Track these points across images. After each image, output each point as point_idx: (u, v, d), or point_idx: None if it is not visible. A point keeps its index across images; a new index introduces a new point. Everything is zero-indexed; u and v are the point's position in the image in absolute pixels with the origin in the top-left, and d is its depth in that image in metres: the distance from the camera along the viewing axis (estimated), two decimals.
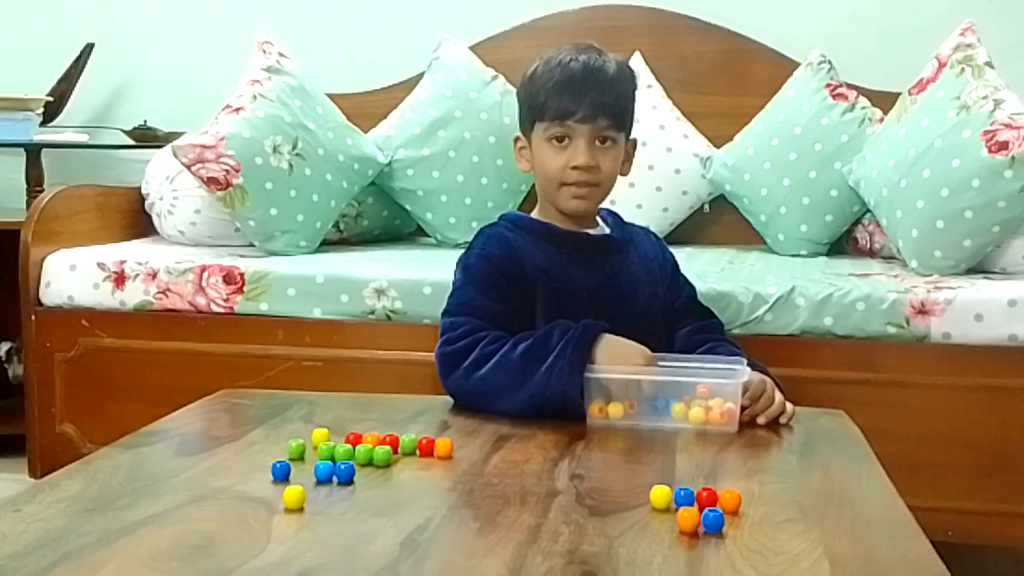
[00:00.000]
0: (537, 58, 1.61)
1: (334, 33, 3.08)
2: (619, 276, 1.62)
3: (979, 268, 2.19)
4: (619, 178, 1.63)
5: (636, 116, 1.65)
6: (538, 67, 1.59)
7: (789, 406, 1.44)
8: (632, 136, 1.65)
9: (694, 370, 1.43)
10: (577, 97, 1.53)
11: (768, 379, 1.46)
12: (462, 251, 1.64)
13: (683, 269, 2.21)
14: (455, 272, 1.61)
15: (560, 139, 1.56)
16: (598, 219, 1.69)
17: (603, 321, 1.47)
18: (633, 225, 1.77)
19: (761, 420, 1.41)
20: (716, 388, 1.39)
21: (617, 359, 1.42)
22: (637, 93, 1.65)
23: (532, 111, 1.59)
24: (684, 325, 1.68)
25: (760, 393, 1.42)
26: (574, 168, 1.55)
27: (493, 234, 1.62)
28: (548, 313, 1.54)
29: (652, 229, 2.64)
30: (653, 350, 1.46)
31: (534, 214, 1.66)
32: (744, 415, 1.40)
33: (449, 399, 1.52)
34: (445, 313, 1.57)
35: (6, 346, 2.90)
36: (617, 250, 1.66)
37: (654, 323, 1.64)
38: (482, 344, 1.47)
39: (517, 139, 1.65)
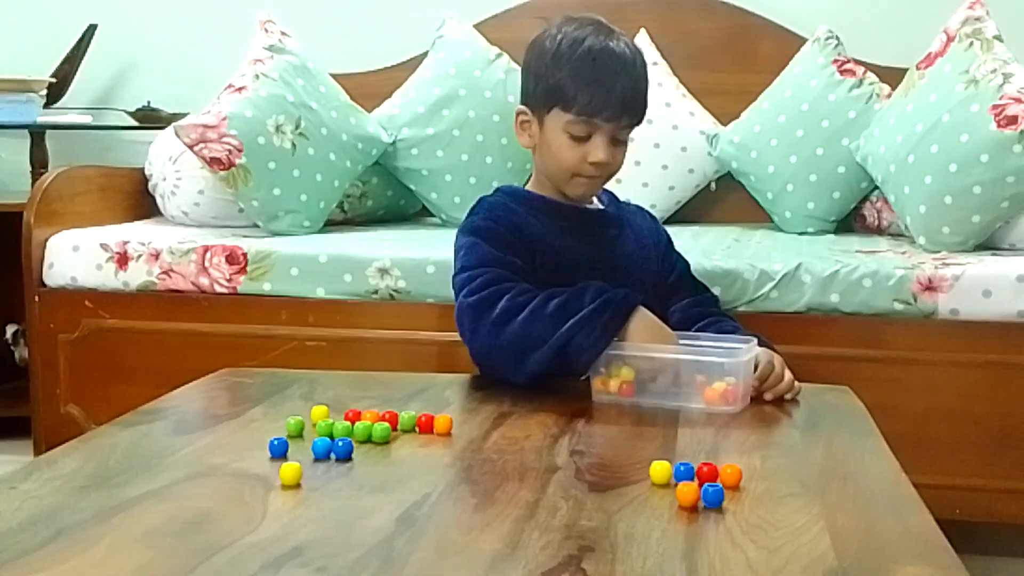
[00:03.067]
0: (549, 30, 1.54)
1: (337, 12, 3.06)
2: (614, 250, 1.61)
3: (988, 244, 2.17)
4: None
5: (527, 84, 1.60)
6: (560, 45, 1.51)
7: (796, 384, 1.42)
8: None
9: (704, 349, 1.41)
10: (607, 95, 1.48)
11: (776, 355, 1.44)
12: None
13: (689, 247, 2.22)
14: (458, 240, 1.57)
15: (582, 135, 1.51)
16: (593, 196, 1.67)
17: (639, 294, 1.44)
18: (628, 204, 1.76)
19: (768, 396, 1.39)
20: (719, 367, 1.37)
21: (650, 337, 1.40)
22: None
23: (552, 95, 1.52)
24: (680, 299, 1.67)
25: (769, 371, 1.40)
26: (592, 163, 1.52)
27: (493, 203, 1.60)
28: (546, 283, 1.51)
29: (658, 207, 2.67)
30: None
31: (530, 187, 1.64)
32: (754, 391, 1.39)
33: (451, 377, 1.51)
34: (460, 271, 1.51)
35: (12, 328, 2.90)
36: (612, 225, 1.64)
37: (648, 298, 1.61)
38: (509, 296, 1.42)
39: (521, 112, 1.59)
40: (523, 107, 1.59)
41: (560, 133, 1.52)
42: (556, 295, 1.42)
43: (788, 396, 1.41)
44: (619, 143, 1.54)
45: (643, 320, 1.41)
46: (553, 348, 1.38)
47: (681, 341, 1.43)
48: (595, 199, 1.66)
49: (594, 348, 1.38)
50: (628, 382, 1.38)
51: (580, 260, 1.56)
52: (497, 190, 1.65)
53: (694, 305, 1.66)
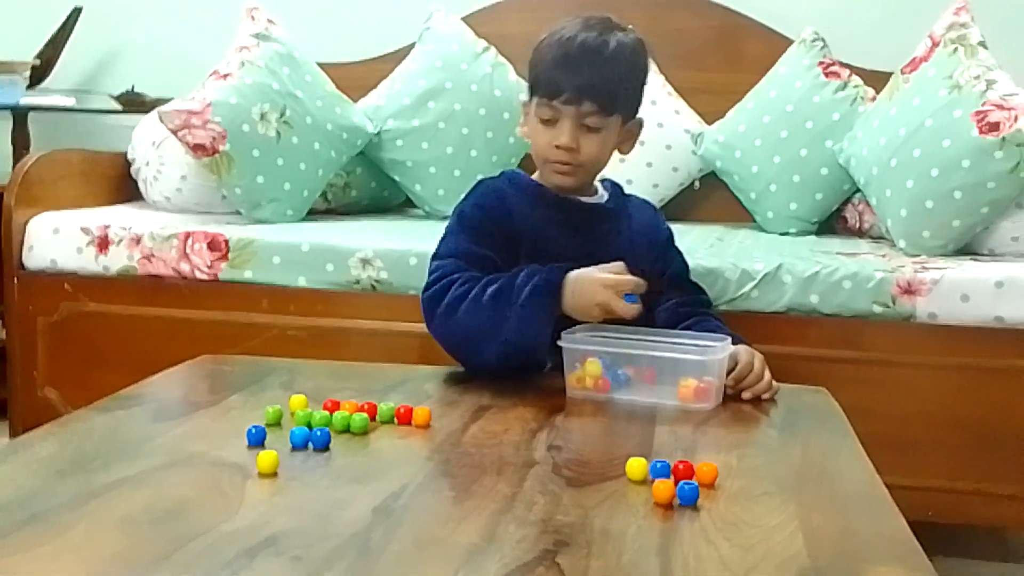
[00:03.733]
0: (551, 27, 1.60)
1: (324, 2, 3.05)
2: (603, 245, 1.61)
3: (967, 249, 2.19)
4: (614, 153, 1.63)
5: (641, 97, 1.63)
6: (545, 38, 1.58)
7: (774, 384, 1.44)
8: (638, 116, 1.64)
9: (673, 345, 1.42)
10: (566, 78, 1.52)
11: (757, 355, 1.45)
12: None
13: None
14: (450, 219, 1.63)
15: (547, 119, 1.56)
16: (598, 186, 1.69)
17: (566, 264, 1.48)
18: (633, 197, 1.77)
19: (746, 395, 1.40)
20: (693, 364, 1.38)
21: (583, 299, 1.45)
22: (646, 73, 1.62)
23: (531, 83, 1.59)
24: (669, 299, 1.67)
25: (748, 370, 1.42)
26: (557, 147, 1.55)
27: (491, 186, 1.64)
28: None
29: None
30: (633, 323, 1.46)
31: (535, 175, 1.67)
32: (730, 388, 1.40)
33: (431, 369, 1.52)
34: (432, 258, 1.59)
35: None
36: (606, 219, 1.65)
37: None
38: (455, 286, 1.49)
39: (524, 103, 1.65)
40: (525, 98, 1.64)
41: (535, 119, 1.58)
42: (493, 282, 1.48)
43: (766, 396, 1.42)
44: (590, 131, 1.55)
45: (574, 283, 1.46)
46: (501, 346, 1.45)
47: (656, 338, 1.44)
48: (600, 189, 1.68)
49: (540, 338, 1.44)
50: (599, 377, 1.39)
51: (567, 253, 1.56)
52: (502, 173, 1.69)
53: (682, 305, 1.66)
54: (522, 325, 1.44)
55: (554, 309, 1.46)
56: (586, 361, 1.40)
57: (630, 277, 1.45)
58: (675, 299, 1.67)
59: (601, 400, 1.39)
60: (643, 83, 1.63)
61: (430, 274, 1.55)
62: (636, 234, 1.69)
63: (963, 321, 1.92)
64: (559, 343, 1.41)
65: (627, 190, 2.58)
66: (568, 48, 1.53)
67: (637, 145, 2.60)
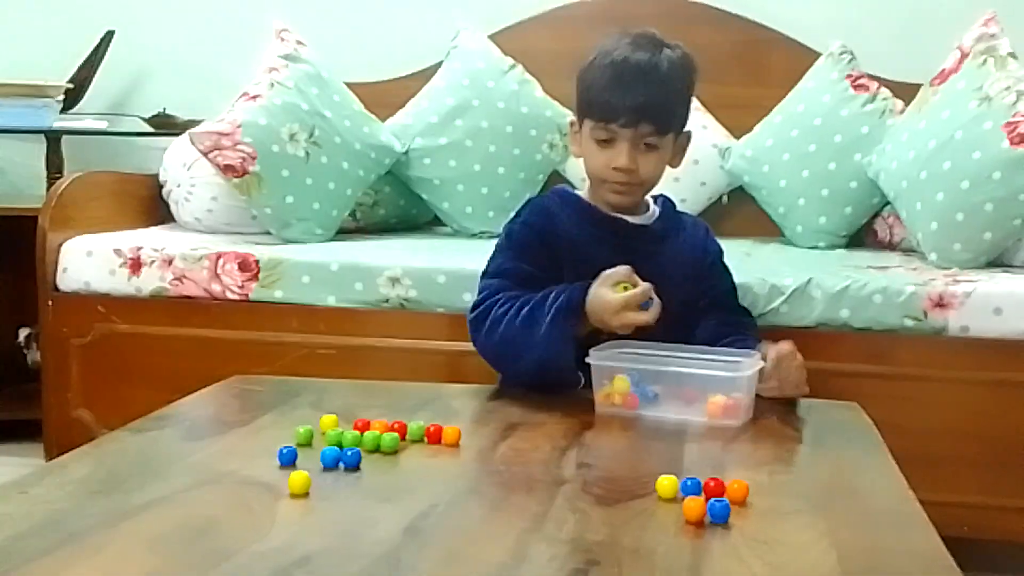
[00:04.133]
0: (598, 46, 1.60)
1: (352, 21, 3.08)
2: (647, 265, 1.58)
3: (999, 261, 2.17)
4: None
5: (690, 110, 1.65)
6: (595, 58, 1.58)
7: (805, 387, 1.46)
8: (687, 129, 1.65)
9: (701, 361, 1.42)
10: (622, 100, 1.53)
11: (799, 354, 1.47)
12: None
13: None
14: (500, 237, 1.67)
15: (604, 140, 1.56)
16: (650, 202, 1.69)
17: (584, 282, 1.50)
18: (685, 215, 1.78)
19: (772, 384, 1.43)
20: (722, 381, 1.37)
21: (601, 320, 1.47)
22: (694, 87, 1.63)
23: (583, 104, 1.60)
24: (710, 319, 1.66)
25: (791, 360, 1.45)
26: (615, 169, 1.56)
27: (539, 204, 1.67)
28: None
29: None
30: (670, 340, 1.46)
31: (584, 193, 1.68)
32: (771, 380, 1.43)
33: (460, 387, 1.52)
34: (481, 276, 1.63)
35: (25, 332, 2.91)
36: (652, 239, 1.65)
37: (677, 316, 1.59)
38: (497, 306, 1.53)
39: (572, 123, 1.66)
40: (572, 118, 1.66)
41: (590, 140, 1.59)
42: (529, 301, 1.51)
43: (791, 392, 1.43)
44: (648, 150, 1.56)
45: (591, 303, 1.47)
46: (533, 364, 1.48)
47: (685, 355, 1.44)
48: (651, 206, 1.68)
49: (564, 355, 1.46)
50: (627, 393, 1.39)
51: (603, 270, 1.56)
52: (552, 190, 1.72)
53: (722, 325, 1.65)
54: (548, 343, 1.46)
55: (577, 327, 1.47)
56: (614, 378, 1.40)
57: (637, 289, 1.46)
58: (716, 319, 1.66)
59: (629, 417, 1.38)
60: (691, 97, 1.64)
61: (478, 293, 1.60)
62: (682, 254, 1.68)
63: (996, 335, 1.90)
64: (587, 360, 1.41)
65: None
66: (622, 70, 1.54)
67: None
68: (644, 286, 1.46)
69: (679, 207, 2.63)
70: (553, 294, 1.49)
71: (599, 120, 1.55)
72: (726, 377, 1.37)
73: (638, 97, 1.52)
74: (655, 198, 1.71)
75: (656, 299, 1.47)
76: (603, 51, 1.58)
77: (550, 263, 1.59)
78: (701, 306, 1.67)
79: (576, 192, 1.70)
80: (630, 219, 1.64)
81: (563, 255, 1.59)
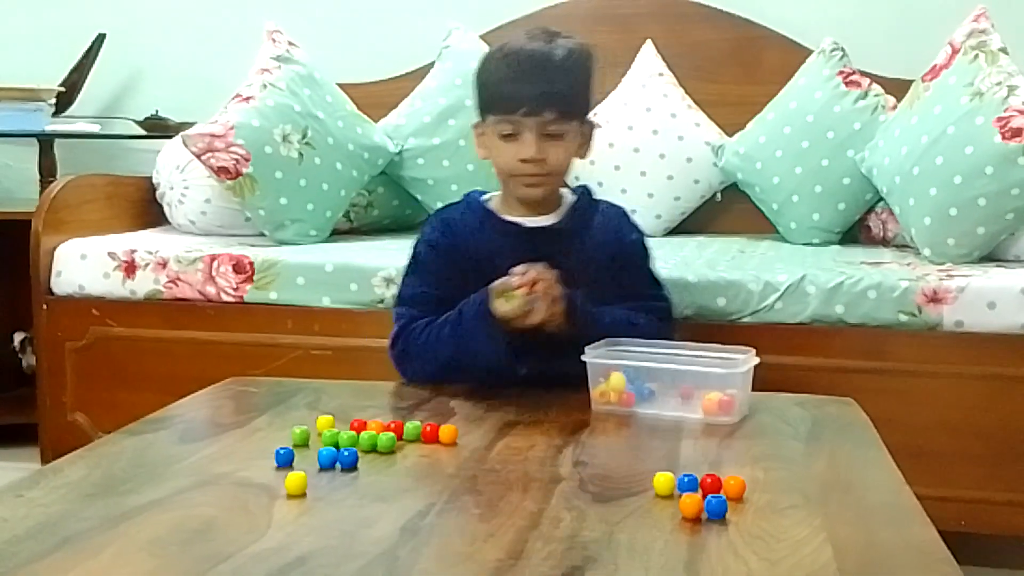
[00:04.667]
0: (492, 46, 1.62)
1: (344, 22, 3.07)
2: (551, 266, 1.57)
3: (992, 256, 2.17)
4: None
5: (592, 100, 1.65)
6: (489, 56, 1.61)
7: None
8: (590, 119, 1.64)
9: (695, 358, 1.42)
10: (522, 90, 1.53)
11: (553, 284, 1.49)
12: None
13: (694, 257, 2.23)
14: (409, 256, 1.69)
15: (509, 134, 1.56)
16: (566, 194, 1.67)
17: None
18: (603, 203, 1.73)
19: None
20: (716, 377, 1.37)
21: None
22: (593, 75, 1.62)
23: (484, 102, 1.60)
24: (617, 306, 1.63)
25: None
26: (522, 161, 1.55)
27: (440, 219, 1.69)
28: None
29: (663, 217, 2.67)
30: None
31: (493, 198, 1.69)
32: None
33: (456, 387, 1.52)
34: (395, 301, 1.68)
35: (20, 336, 2.91)
36: (555, 240, 1.62)
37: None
38: (413, 337, 1.58)
39: (475, 126, 1.66)
40: (477, 120, 1.65)
41: (495, 137, 1.58)
42: (444, 323, 1.56)
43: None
44: (554, 139, 1.56)
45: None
46: (471, 371, 1.53)
47: (681, 352, 1.44)
48: (563, 203, 1.65)
49: (496, 350, 1.50)
50: (623, 391, 1.39)
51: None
52: (464, 196, 1.71)
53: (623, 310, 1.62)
54: (476, 344, 1.51)
55: (493, 323, 1.50)
56: (610, 375, 1.40)
57: (499, 281, 1.48)
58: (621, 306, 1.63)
59: (625, 414, 1.39)
60: (592, 86, 1.63)
61: (395, 322, 1.63)
62: (592, 248, 1.65)
63: (990, 329, 1.90)
64: (583, 358, 1.42)
65: (648, 203, 2.55)
66: (518, 61, 1.56)
67: (658, 158, 2.65)
68: (503, 280, 1.48)
69: (673, 204, 2.68)
70: (460, 307, 1.53)
71: (502, 114, 1.56)
72: (721, 373, 1.37)
73: (538, 85, 1.53)
74: (574, 189, 1.70)
75: (520, 301, 1.47)
76: (496, 48, 1.61)
77: (456, 280, 1.60)
78: (610, 298, 1.63)
79: (483, 199, 1.69)
80: (530, 223, 1.62)
81: (468, 268, 1.60)
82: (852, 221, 2.57)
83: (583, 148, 1.64)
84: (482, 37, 2.83)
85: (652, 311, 1.64)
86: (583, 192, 1.70)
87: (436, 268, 1.63)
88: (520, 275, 1.47)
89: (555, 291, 1.48)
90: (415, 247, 1.68)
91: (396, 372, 1.64)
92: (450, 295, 1.59)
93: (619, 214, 1.74)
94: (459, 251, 1.63)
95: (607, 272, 1.64)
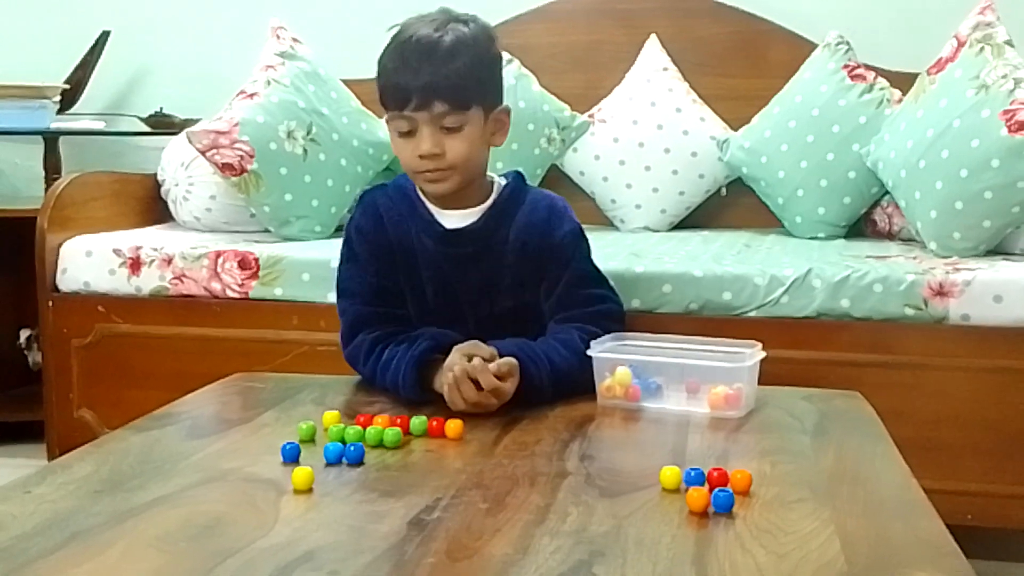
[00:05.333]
0: (390, 34, 1.53)
1: (348, 18, 3.07)
2: (464, 267, 1.56)
3: (999, 249, 2.17)
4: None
5: (497, 83, 1.55)
6: (388, 44, 1.51)
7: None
8: (503, 104, 1.55)
9: (701, 352, 1.42)
10: (409, 82, 1.45)
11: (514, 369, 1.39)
12: None
13: (699, 252, 2.22)
14: (343, 240, 1.64)
15: (406, 132, 1.48)
16: (497, 184, 1.60)
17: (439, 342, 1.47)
18: (533, 195, 1.62)
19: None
20: (722, 372, 1.37)
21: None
22: (494, 58, 1.54)
23: (380, 97, 1.51)
24: (555, 315, 1.57)
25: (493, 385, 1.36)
26: (421, 157, 1.47)
27: (370, 202, 1.62)
28: (409, 294, 1.58)
29: (668, 212, 2.66)
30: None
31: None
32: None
33: None
34: (337, 293, 1.62)
35: (26, 333, 2.91)
36: (471, 241, 1.56)
37: (509, 319, 1.56)
38: (363, 353, 1.53)
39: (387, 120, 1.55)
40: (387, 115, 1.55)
41: (393, 133, 1.52)
42: (386, 368, 1.48)
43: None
44: (451, 131, 1.47)
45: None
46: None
47: (687, 346, 1.44)
48: (489, 196, 1.58)
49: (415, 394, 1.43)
50: (630, 385, 1.39)
51: (433, 277, 1.57)
52: (394, 180, 1.63)
53: (562, 321, 1.55)
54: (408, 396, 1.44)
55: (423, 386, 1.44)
56: (616, 370, 1.40)
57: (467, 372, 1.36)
58: (557, 316, 1.57)
59: (631, 409, 1.39)
60: (496, 69, 1.55)
61: (340, 315, 1.60)
62: (516, 247, 1.56)
63: (996, 322, 1.90)
64: (588, 352, 1.42)
65: (653, 198, 2.52)
66: (404, 51, 1.47)
67: (663, 153, 2.65)
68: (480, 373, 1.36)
69: (678, 199, 2.68)
70: (403, 371, 1.44)
71: (394, 108, 1.48)
72: (727, 368, 1.37)
73: (423, 76, 1.44)
74: (505, 175, 1.62)
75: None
76: (395, 35, 1.51)
77: (387, 267, 1.57)
78: (546, 306, 1.58)
79: (411, 186, 1.59)
80: (448, 222, 1.56)
81: (393, 257, 1.57)
82: (858, 215, 2.56)
83: (497, 135, 1.55)
84: None
85: (590, 320, 1.54)
86: (511, 183, 1.60)
87: (367, 254, 1.58)
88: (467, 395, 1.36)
89: (505, 395, 1.38)
90: (346, 231, 1.62)
91: None
92: (387, 284, 1.56)
93: (548, 207, 1.60)
94: (385, 238, 1.57)
95: (535, 272, 1.57)
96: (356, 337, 1.56)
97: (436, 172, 1.49)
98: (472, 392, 1.35)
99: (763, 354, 1.42)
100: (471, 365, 1.35)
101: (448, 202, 1.56)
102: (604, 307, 1.58)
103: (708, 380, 1.37)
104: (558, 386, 1.43)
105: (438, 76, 1.44)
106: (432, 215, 1.57)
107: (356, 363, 1.56)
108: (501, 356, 1.38)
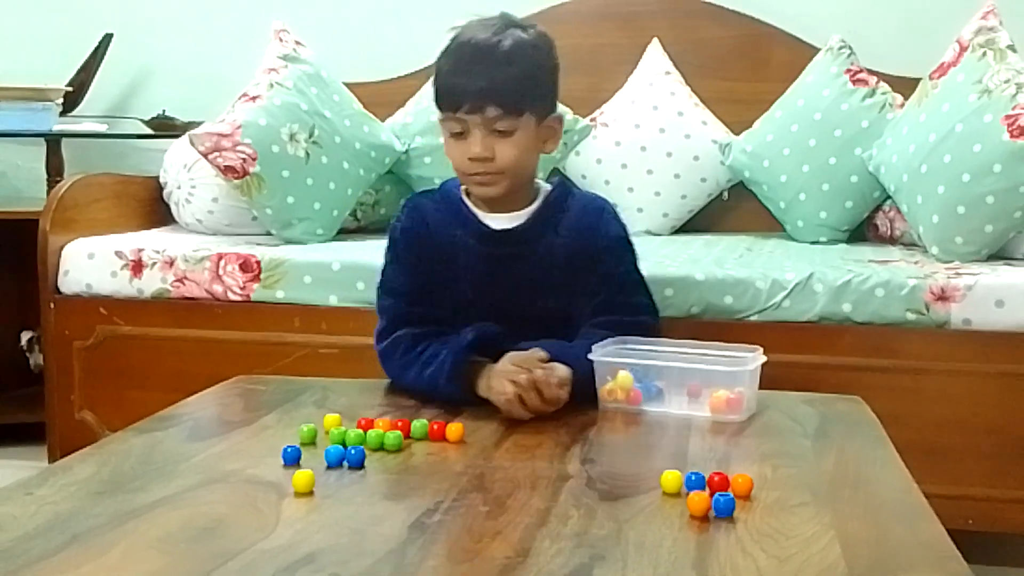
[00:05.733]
0: (448, 36, 1.54)
1: (351, 21, 3.08)
2: (510, 269, 1.55)
3: (1001, 254, 2.17)
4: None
5: (553, 91, 1.56)
6: (445, 46, 1.52)
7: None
8: (556, 111, 1.56)
9: (698, 357, 1.42)
10: (464, 85, 1.46)
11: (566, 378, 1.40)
12: None
13: (701, 256, 2.22)
14: (386, 241, 1.64)
15: (458, 133, 1.50)
16: (542, 189, 1.60)
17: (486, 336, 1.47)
18: (580, 198, 1.63)
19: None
20: (724, 376, 1.37)
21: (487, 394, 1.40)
22: (552, 65, 1.55)
23: (435, 98, 1.53)
24: (595, 321, 1.56)
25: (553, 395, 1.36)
26: (471, 160, 1.49)
27: (414, 206, 1.63)
28: (449, 295, 1.57)
29: (671, 216, 2.66)
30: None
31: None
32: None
33: None
34: (378, 292, 1.63)
35: (27, 335, 2.91)
36: (519, 242, 1.56)
37: (551, 321, 1.55)
38: (399, 352, 1.54)
39: (440, 121, 1.56)
40: (438, 116, 1.57)
41: (445, 134, 1.53)
42: (427, 364, 1.48)
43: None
44: (503, 135, 1.48)
45: (488, 379, 1.41)
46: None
47: (689, 350, 1.43)
48: (535, 200, 1.58)
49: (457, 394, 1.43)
50: (631, 389, 1.39)
51: (476, 277, 1.56)
52: (442, 184, 1.64)
53: (596, 326, 1.54)
54: (444, 397, 1.44)
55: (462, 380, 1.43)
56: (618, 374, 1.40)
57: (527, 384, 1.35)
58: (593, 322, 1.55)
59: (632, 412, 1.39)
60: (552, 77, 1.56)
61: (378, 313, 1.61)
62: (563, 249, 1.56)
63: (998, 327, 1.90)
64: (589, 356, 1.42)
65: (655, 202, 2.51)
66: (461, 54, 1.49)
67: (665, 156, 2.65)
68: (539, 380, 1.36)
69: (680, 203, 2.68)
70: (443, 375, 1.44)
71: (447, 110, 1.49)
72: (729, 372, 1.37)
73: (480, 80, 1.45)
74: (550, 180, 1.64)
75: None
76: (452, 38, 1.52)
77: (430, 269, 1.57)
78: (588, 308, 1.57)
79: (461, 188, 1.60)
80: (495, 223, 1.56)
81: (435, 259, 1.57)
82: (860, 219, 2.56)
83: (549, 143, 1.56)
84: None
85: (626, 331, 1.52)
86: (557, 187, 1.61)
87: (412, 256, 1.59)
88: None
89: (562, 404, 1.38)
90: (391, 233, 1.63)
91: None
92: (430, 286, 1.57)
93: (598, 210, 1.61)
94: (429, 240, 1.58)
95: (581, 273, 1.56)
96: (394, 334, 1.56)
97: (485, 175, 1.50)
98: (537, 402, 1.35)
99: (764, 358, 1.42)
100: (539, 376, 1.36)
101: (494, 205, 1.57)
102: (642, 319, 1.57)
103: (710, 384, 1.37)
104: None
105: (493, 80, 1.46)
106: (477, 217, 1.58)
107: (389, 359, 1.56)
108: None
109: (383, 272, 1.63)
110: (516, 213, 1.57)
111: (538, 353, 1.42)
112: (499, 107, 1.46)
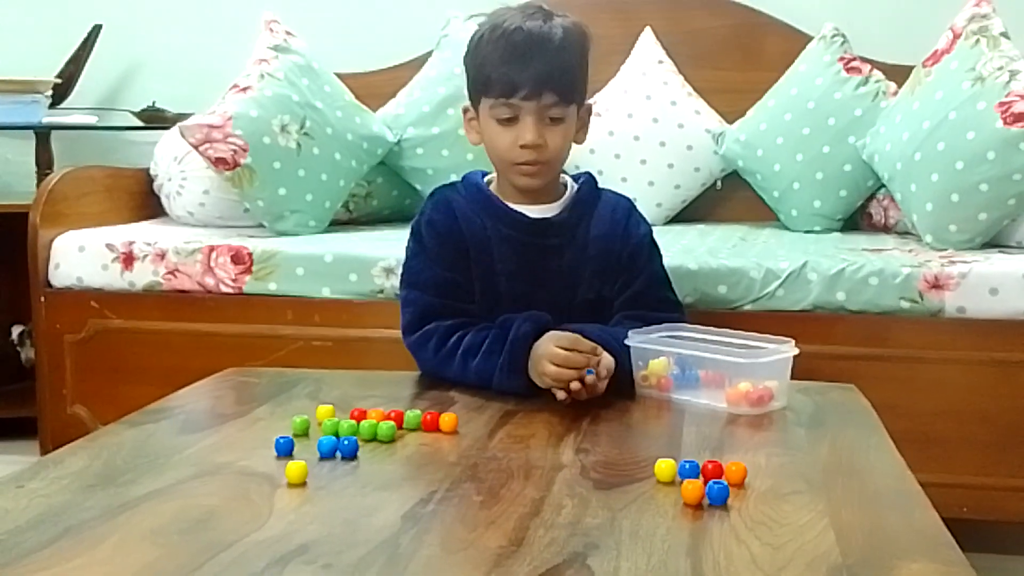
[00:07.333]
0: (483, 24, 1.53)
1: (342, 12, 3.07)
2: (545, 260, 1.55)
3: (995, 242, 2.17)
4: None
5: (587, 82, 1.56)
6: (484, 35, 1.51)
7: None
8: (588, 102, 1.58)
9: (731, 348, 1.39)
10: (521, 72, 1.46)
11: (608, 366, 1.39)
12: None
13: (695, 245, 2.22)
14: (409, 235, 1.62)
15: (507, 118, 1.49)
16: (568, 182, 1.62)
17: (533, 323, 1.44)
18: (608, 194, 1.65)
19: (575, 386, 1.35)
20: (748, 368, 1.34)
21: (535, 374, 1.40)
22: (590, 56, 1.55)
23: (477, 85, 1.53)
24: (623, 317, 1.56)
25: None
26: (522, 147, 1.49)
27: (441, 199, 1.61)
28: (480, 286, 1.55)
29: (664, 205, 2.66)
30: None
31: (492, 183, 1.62)
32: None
33: None
34: (401, 283, 1.61)
35: (18, 329, 2.90)
36: (555, 233, 1.57)
37: (585, 312, 1.55)
38: (434, 341, 1.50)
39: (466, 110, 1.59)
40: (467, 104, 1.59)
41: (490, 121, 1.52)
42: (469, 353, 1.46)
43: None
44: (554, 123, 1.49)
45: (533, 356, 1.40)
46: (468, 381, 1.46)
47: (713, 338, 1.42)
48: (565, 193, 1.59)
49: (523, 392, 1.41)
50: (663, 376, 1.38)
51: (505, 271, 1.55)
52: (465, 177, 1.63)
53: (625, 318, 1.55)
54: (504, 389, 1.42)
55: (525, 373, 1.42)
56: (651, 361, 1.40)
57: (575, 364, 1.35)
58: (625, 317, 1.56)
59: (629, 401, 1.39)
60: (587, 67, 1.55)
61: (403, 306, 1.57)
62: (594, 243, 1.58)
63: (992, 315, 1.90)
64: (625, 341, 1.41)
65: (649, 192, 2.52)
66: (516, 41, 1.47)
67: (658, 146, 2.65)
68: (586, 359, 1.35)
69: (674, 192, 2.67)
70: (493, 349, 1.43)
71: (499, 96, 1.48)
72: (748, 364, 1.33)
73: (538, 66, 1.45)
74: (576, 176, 1.64)
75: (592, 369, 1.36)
76: (492, 26, 1.50)
77: (458, 261, 1.55)
78: (617, 303, 1.58)
79: (485, 180, 1.61)
80: (531, 214, 1.56)
81: (466, 252, 1.55)
82: (853, 208, 2.56)
83: (580, 133, 1.57)
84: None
85: (647, 321, 1.52)
86: (586, 181, 1.63)
87: (439, 248, 1.56)
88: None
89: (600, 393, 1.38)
90: (416, 226, 1.60)
91: (396, 362, 1.63)
92: (457, 279, 1.54)
93: (627, 206, 1.65)
94: (459, 232, 1.56)
95: (613, 267, 1.58)
96: (425, 326, 1.53)
97: (533, 165, 1.51)
98: (584, 396, 1.35)
99: (796, 351, 1.38)
100: (589, 381, 1.35)
101: (526, 197, 1.57)
102: (672, 316, 1.57)
103: (737, 376, 1.34)
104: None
105: (551, 67, 1.46)
106: (510, 208, 1.57)
107: (422, 350, 1.53)
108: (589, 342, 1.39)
109: (406, 266, 1.61)
110: (548, 205, 1.58)
111: (581, 340, 1.38)
112: (555, 94, 1.47)
